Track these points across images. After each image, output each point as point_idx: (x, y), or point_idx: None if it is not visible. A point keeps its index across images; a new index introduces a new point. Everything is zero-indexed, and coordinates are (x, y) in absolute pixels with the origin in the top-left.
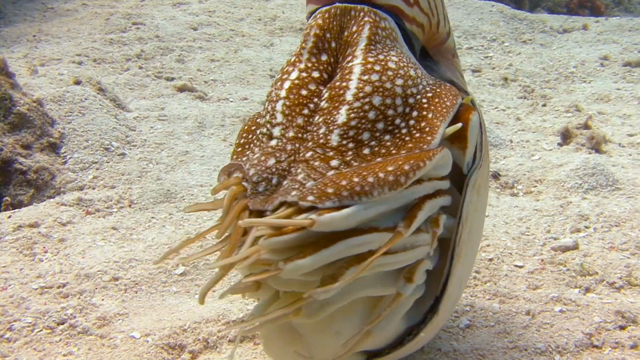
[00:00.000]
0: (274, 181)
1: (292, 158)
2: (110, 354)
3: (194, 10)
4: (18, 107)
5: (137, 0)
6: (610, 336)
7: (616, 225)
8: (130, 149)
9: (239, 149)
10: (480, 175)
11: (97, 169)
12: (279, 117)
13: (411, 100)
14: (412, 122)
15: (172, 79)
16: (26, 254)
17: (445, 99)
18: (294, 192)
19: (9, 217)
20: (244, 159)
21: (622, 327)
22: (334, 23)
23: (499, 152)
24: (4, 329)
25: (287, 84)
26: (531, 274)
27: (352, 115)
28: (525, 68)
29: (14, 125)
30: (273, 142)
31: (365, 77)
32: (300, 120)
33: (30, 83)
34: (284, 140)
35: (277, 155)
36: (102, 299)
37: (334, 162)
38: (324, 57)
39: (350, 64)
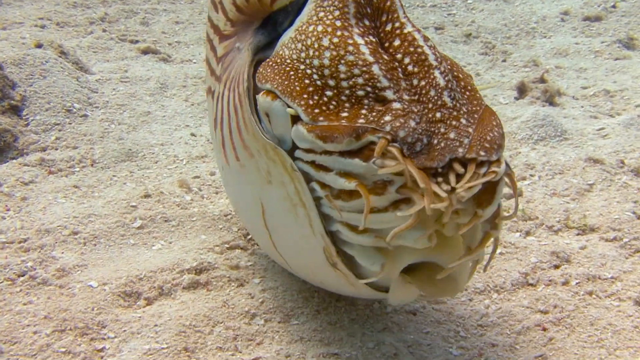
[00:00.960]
0: (425, 141)
1: (425, 118)
2: (68, 302)
3: None
4: None
5: None
6: (545, 274)
7: (560, 173)
8: (93, 110)
9: (317, 109)
10: None
11: (59, 130)
12: (384, 81)
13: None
14: (460, 82)
15: (137, 41)
16: None
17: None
18: (460, 150)
19: None
20: (361, 120)
21: (556, 266)
22: None
23: None
24: None
25: (365, 49)
26: None
27: (446, 78)
28: (488, 24)
29: None
30: (397, 105)
31: (429, 44)
32: (404, 84)
33: None
34: (406, 103)
35: (412, 117)
36: (62, 252)
37: (463, 121)
38: (367, 22)
39: (405, 31)
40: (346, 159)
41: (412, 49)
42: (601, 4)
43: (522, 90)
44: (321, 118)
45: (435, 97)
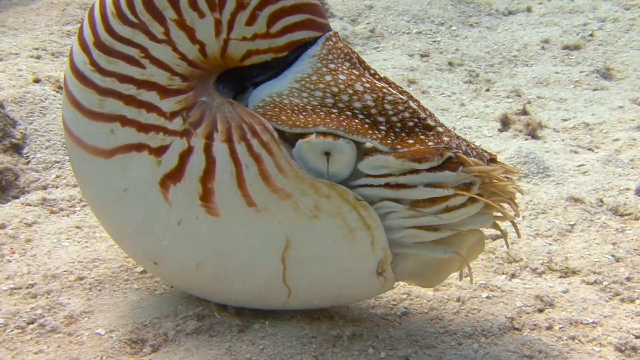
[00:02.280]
0: (466, 150)
1: (450, 135)
2: (77, 351)
3: None
4: None
5: None
6: (530, 319)
7: (543, 213)
8: None
9: (388, 139)
10: None
11: (59, 168)
12: (422, 113)
13: None
14: None
15: None
16: None
17: None
18: (486, 154)
19: None
20: (431, 143)
21: (540, 310)
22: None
23: None
24: None
25: (391, 89)
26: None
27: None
28: (472, 52)
29: None
30: (440, 129)
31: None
32: (423, 114)
33: None
34: (443, 127)
35: (452, 135)
36: (69, 298)
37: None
38: (363, 69)
39: (382, 75)
40: (436, 173)
41: (399, 88)
42: (579, 32)
43: (505, 123)
44: (399, 146)
45: (438, 121)
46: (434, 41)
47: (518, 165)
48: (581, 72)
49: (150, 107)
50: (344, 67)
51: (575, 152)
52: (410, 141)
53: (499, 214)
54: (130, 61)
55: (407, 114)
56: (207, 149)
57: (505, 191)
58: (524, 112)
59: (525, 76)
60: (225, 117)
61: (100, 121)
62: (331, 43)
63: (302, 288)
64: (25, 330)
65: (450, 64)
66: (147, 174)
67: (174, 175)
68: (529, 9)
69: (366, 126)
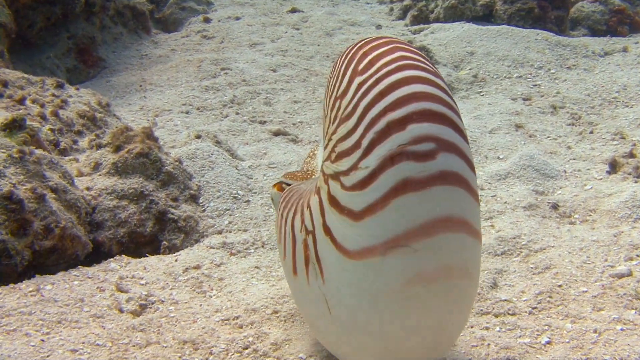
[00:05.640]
0: None
1: None
2: None
3: (269, 50)
4: (166, 167)
5: (217, 43)
6: None
7: None
8: (252, 195)
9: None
10: None
11: (230, 215)
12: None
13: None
14: None
15: (264, 122)
16: (198, 292)
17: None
18: None
19: (176, 260)
20: None
21: None
22: None
23: (555, 183)
24: (207, 353)
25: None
26: (595, 297)
27: None
28: (572, 95)
29: (164, 182)
30: None
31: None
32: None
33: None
34: None
35: None
36: (269, 328)
37: None
38: None
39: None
40: None
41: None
42: None
43: (614, 166)
44: None
45: None
46: (535, 85)
47: (634, 208)
48: None
49: None
50: None
51: None
52: None
53: None
54: None
55: None
56: None
57: None
58: (631, 155)
59: (627, 117)
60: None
61: None
62: None
63: None
64: (242, 354)
65: (553, 107)
66: None
67: None
68: (625, 49)
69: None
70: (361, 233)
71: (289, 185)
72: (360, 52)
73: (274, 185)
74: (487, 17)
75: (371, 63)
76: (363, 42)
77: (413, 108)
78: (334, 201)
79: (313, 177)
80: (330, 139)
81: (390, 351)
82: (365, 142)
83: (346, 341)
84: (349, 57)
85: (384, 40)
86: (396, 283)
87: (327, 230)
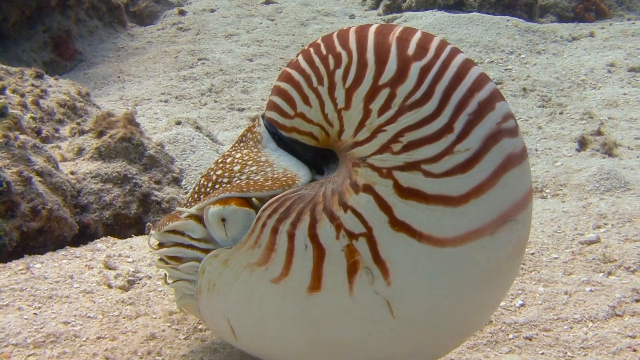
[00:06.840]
0: None
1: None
2: None
3: (245, 40)
4: (149, 151)
5: (193, 35)
6: (629, 307)
7: (629, 221)
8: None
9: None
10: (231, 254)
11: None
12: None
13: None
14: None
15: (243, 109)
16: None
17: (231, 192)
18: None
19: None
20: None
21: (637, 300)
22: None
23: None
24: (196, 322)
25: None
26: (565, 263)
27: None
28: (542, 78)
29: (147, 165)
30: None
31: (221, 159)
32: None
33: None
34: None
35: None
36: None
37: None
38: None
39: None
40: None
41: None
42: None
43: (582, 143)
44: None
45: None
46: (506, 69)
47: (601, 181)
48: None
49: None
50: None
51: None
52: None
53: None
54: None
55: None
56: None
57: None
58: (599, 133)
59: (595, 98)
60: None
61: None
62: None
63: None
64: None
65: (524, 90)
66: None
67: None
68: (591, 34)
69: None
70: (464, 217)
71: (258, 199)
72: (394, 38)
73: (222, 203)
74: (458, 5)
75: (422, 47)
76: (378, 29)
77: (491, 87)
78: (411, 192)
79: (295, 182)
80: (381, 130)
81: (460, 333)
82: (459, 125)
83: (405, 341)
84: (374, 46)
85: (400, 26)
86: (503, 258)
87: (400, 225)
